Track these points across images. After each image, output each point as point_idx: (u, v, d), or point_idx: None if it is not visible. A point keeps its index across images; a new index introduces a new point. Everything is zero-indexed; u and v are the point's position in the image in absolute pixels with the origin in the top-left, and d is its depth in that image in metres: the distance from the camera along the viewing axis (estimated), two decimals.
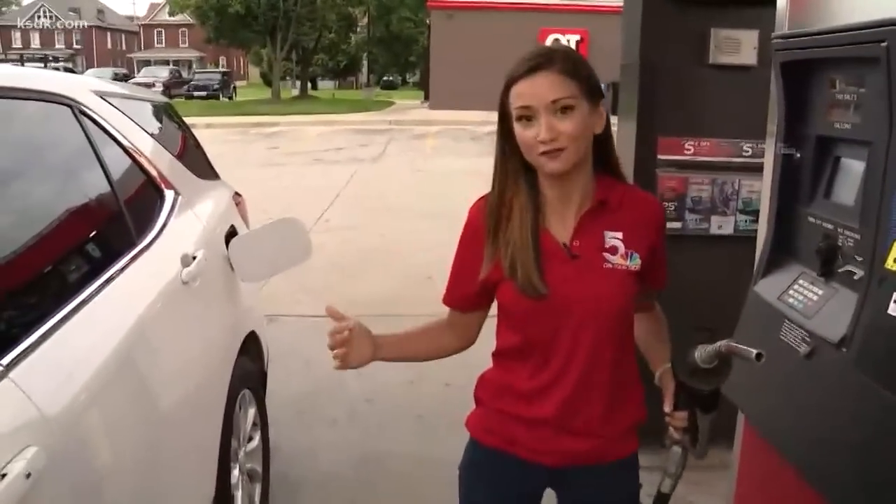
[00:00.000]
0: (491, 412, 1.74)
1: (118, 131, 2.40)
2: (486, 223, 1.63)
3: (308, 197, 10.86)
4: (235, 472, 2.69)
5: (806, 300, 1.85)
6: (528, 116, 1.51)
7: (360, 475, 3.56)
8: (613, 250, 1.60)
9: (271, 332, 5.34)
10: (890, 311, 1.49)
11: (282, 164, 15.02)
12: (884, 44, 1.51)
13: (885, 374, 1.50)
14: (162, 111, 3.19)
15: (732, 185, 3.42)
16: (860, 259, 1.69)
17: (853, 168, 1.80)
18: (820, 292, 1.82)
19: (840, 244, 1.78)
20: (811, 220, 1.91)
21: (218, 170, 3.51)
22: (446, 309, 1.78)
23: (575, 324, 1.59)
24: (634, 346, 1.76)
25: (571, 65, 1.51)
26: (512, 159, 1.60)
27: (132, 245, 2.23)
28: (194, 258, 2.45)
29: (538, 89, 1.50)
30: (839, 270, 1.77)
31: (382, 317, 5.79)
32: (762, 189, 2.23)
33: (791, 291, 1.92)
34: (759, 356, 1.45)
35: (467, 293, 1.71)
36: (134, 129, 2.55)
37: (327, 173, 13.72)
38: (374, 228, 8.99)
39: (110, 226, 2.26)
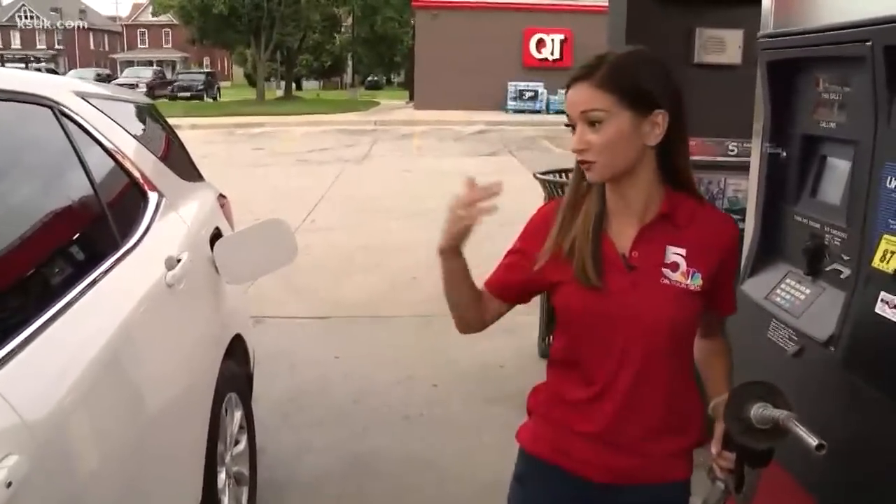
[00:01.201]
0: (542, 421, 1.71)
1: (100, 133, 2.37)
2: (555, 217, 1.61)
3: (294, 198, 10.83)
4: (222, 476, 2.66)
5: (793, 299, 1.85)
6: (572, 125, 1.52)
7: (347, 476, 3.54)
8: (674, 266, 1.55)
9: (257, 333, 5.32)
10: (877, 310, 1.50)
11: (267, 165, 14.97)
12: (868, 43, 1.52)
13: (872, 373, 1.50)
14: (145, 112, 3.16)
15: (718, 185, 3.43)
16: (847, 258, 1.69)
17: (839, 167, 1.80)
18: (807, 291, 1.82)
19: (827, 243, 1.78)
20: (798, 219, 1.92)
21: (203, 171, 3.49)
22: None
23: (625, 336, 1.55)
24: (695, 369, 1.70)
25: (613, 75, 1.48)
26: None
27: (116, 248, 2.20)
28: (179, 261, 2.43)
29: (573, 98, 1.51)
30: (826, 269, 1.78)
31: (369, 318, 5.83)
32: (749, 188, 2.24)
33: (778, 290, 1.92)
34: (819, 447, 1.35)
35: (511, 282, 1.68)
36: (117, 130, 2.52)
37: (313, 174, 13.67)
38: (360, 229, 8.97)
39: (93, 228, 2.24)
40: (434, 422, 4.09)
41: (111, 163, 2.41)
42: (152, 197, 2.59)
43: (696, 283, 1.54)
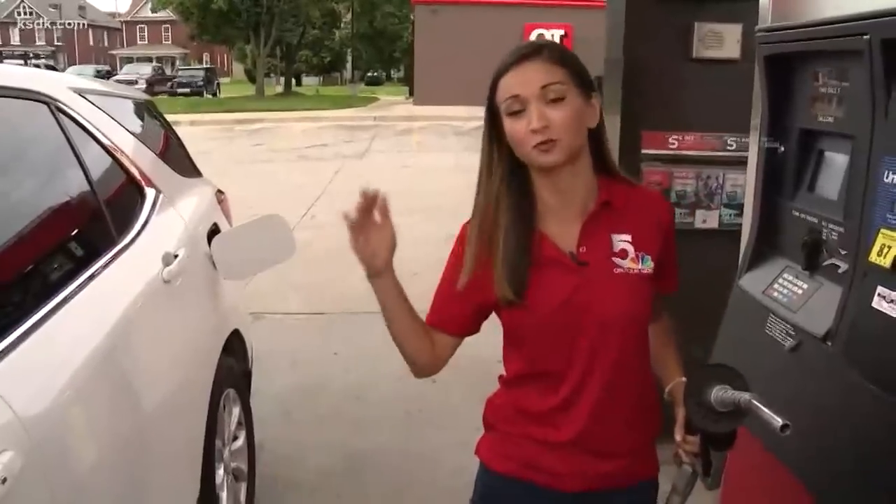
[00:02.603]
0: (504, 436, 1.62)
1: (97, 129, 2.37)
2: (471, 230, 1.53)
3: (293, 194, 10.82)
4: (220, 472, 2.66)
5: (791, 294, 1.85)
6: (518, 110, 1.43)
7: (347, 472, 3.54)
8: (623, 254, 1.50)
9: (257, 329, 5.31)
10: (874, 305, 1.49)
11: (267, 161, 14.96)
12: (866, 37, 1.51)
13: (870, 368, 1.50)
14: (143, 108, 3.16)
15: (717, 179, 3.42)
16: (844, 252, 1.69)
17: (837, 161, 1.80)
18: (805, 286, 1.82)
19: (824, 238, 1.78)
20: (795, 213, 1.91)
21: (202, 167, 3.48)
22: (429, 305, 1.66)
23: (591, 336, 1.48)
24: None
25: (559, 54, 1.45)
26: (501, 163, 1.51)
27: (113, 244, 2.20)
28: (176, 256, 2.43)
29: (527, 76, 1.43)
30: (824, 264, 1.78)
31: (368, 313, 5.80)
32: (746, 183, 2.23)
33: (776, 285, 1.92)
34: (784, 427, 1.32)
35: (455, 313, 1.59)
36: (114, 126, 2.52)
37: (312, 170, 13.66)
38: None
39: (90, 224, 2.23)
40: (433, 417, 4.09)
41: (108, 159, 2.41)
42: (149, 193, 2.58)
43: (647, 266, 1.51)
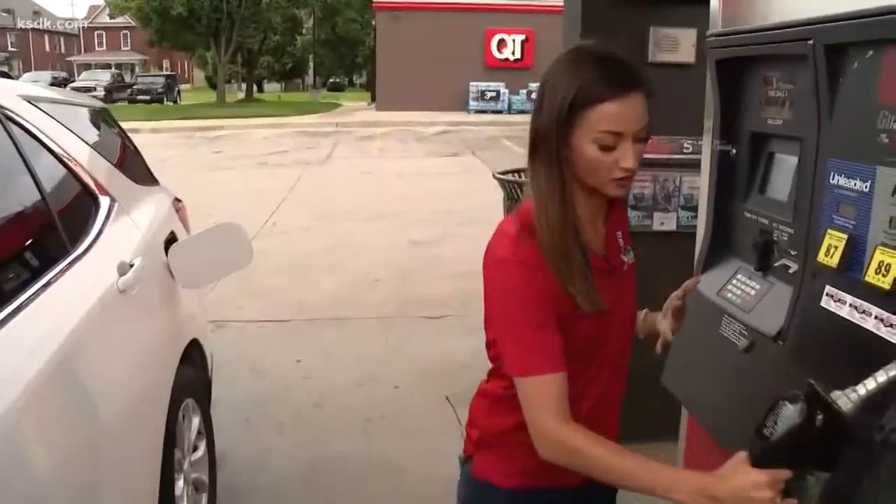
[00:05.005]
0: (515, 451, 1.52)
1: (48, 137, 2.33)
2: (550, 256, 1.40)
3: (254, 201, 10.75)
4: (180, 483, 2.63)
5: (744, 295, 1.87)
6: (612, 144, 1.35)
7: (308, 480, 3.52)
8: (623, 249, 1.54)
9: (218, 337, 5.27)
10: (822, 304, 1.52)
11: (227, 169, 14.84)
12: (810, 42, 1.54)
13: (819, 367, 1.52)
14: (98, 116, 3.12)
15: (674, 182, 3.46)
16: (794, 253, 1.72)
17: (786, 163, 1.83)
18: (757, 287, 1.85)
19: (775, 239, 1.81)
20: (748, 215, 1.94)
21: (162, 175, 3.45)
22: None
23: (615, 334, 1.50)
24: None
25: (648, 84, 1.37)
26: (571, 186, 1.40)
27: (65, 253, 2.16)
28: (131, 266, 2.39)
29: (632, 113, 1.34)
30: (775, 265, 1.81)
31: (330, 320, 5.80)
32: (700, 186, 2.26)
33: (730, 286, 1.94)
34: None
35: (561, 345, 1.41)
36: (66, 134, 2.48)
37: (273, 177, 13.59)
38: (321, 231, 8.93)
39: (41, 234, 2.20)
40: (396, 423, 4.08)
41: (60, 167, 2.37)
42: (104, 201, 2.55)
43: (630, 256, 1.56)
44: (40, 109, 2.39)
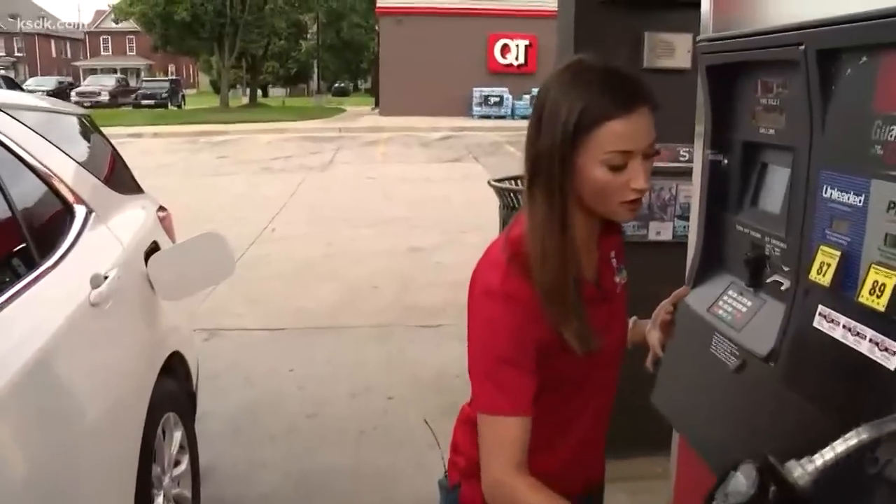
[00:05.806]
0: None
1: (18, 144, 2.27)
2: (542, 290, 1.29)
3: (255, 206, 10.69)
4: (159, 500, 2.56)
5: (735, 312, 1.79)
6: (622, 164, 1.25)
7: (299, 493, 3.46)
8: (617, 270, 1.46)
9: (212, 346, 5.22)
10: (815, 325, 1.44)
11: (230, 174, 14.80)
12: (801, 47, 1.46)
13: (811, 390, 1.44)
14: (77, 123, 3.05)
15: (670, 191, 3.38)
16: (787, 269, 1.63)
17: (779, 174, 1.75)
18: (749, 304, 1.77)
19: (768, 254, 1.72)
20: (740, 228, 1.86)
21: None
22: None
23: (606, 363, 1.44)
24: None
25: (654, 97, 1.28)
26: (572, 214, 1.30)
27: (33, 266, 2.09)
28: (106, 278, 2.32)
29: (640, 130, 1.25)
30: (767, 281, 1.72)
31: (326, 328, 5.73)
32: (692, 196, 2.19)
33: (720, 303, 1.86)
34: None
35: (532, 388, 1.31)
36: (39, 142, 2.42)
37: (275, 182, 13.54)
38: (321, 237, 8.87)
39: (7, 246, 2.12)
40: (388, 435, 4.01)
41: (32, 177, 2.31)
42: (79, 211, 2.48)
43: (623, 275, 1.50)
44: (12, 117, 2.32)
